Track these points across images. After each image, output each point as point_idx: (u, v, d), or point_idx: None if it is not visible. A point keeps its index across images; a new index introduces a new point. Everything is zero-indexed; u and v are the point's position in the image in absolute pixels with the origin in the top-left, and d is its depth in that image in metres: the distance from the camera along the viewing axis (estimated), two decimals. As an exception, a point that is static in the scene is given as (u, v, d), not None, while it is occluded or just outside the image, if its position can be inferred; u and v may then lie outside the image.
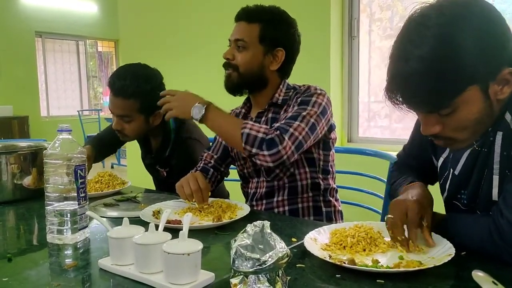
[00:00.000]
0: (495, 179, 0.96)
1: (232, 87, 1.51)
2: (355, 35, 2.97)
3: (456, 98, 0.86)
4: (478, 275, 0.79)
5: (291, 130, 1.33)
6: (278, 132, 1.32)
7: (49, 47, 8.48)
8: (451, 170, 1.08)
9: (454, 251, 0.90)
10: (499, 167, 0.95)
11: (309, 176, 1.51)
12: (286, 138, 1.31)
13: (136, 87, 1.68)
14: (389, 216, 1.01)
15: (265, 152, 1.30)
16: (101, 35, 9.01)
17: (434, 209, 1.08)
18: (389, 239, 1.02)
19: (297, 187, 1.51)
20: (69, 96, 8.88)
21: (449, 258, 0.87)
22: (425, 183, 1.15)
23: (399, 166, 1.33)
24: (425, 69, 0.84)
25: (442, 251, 0.93)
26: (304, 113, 1.38)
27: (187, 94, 1.42)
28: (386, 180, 1.68)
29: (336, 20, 2.93)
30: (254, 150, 1.32)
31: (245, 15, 1.48)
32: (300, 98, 1.45)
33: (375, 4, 2.95)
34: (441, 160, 1.13)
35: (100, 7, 8.82)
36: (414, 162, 1.27)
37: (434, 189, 1.18)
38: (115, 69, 1.76)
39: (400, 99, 0.90)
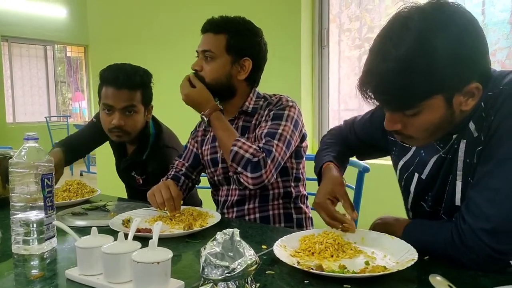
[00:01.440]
0: (458, 185, 1.00)
1: None
2: (325, 45, 3.03)
3: (421, 102, 0.90)
4: (435, 279, 0.83)
5: (274, 152, 1.37)
6: (263, 154, 1.36)
7: (15, 52, 8.25)
8: (417, 174, 1.12)
9: (417, 256, 0.93)
10: (462, 173, 0.99)
11: (282, 185, 1.54)
12: (269, 161, 1.35)
13: (140, 78, 1.75)
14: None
15: (248, 174, 1.34)
16: (70, 40, 8.84)
17: (396, 212, 1.17)
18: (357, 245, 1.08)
19: (269, 195, 1.53)
20: (36, 102, 8.65)
21: (412, 262, 0.90)
22: (357, 157, 1.44)
23: (337, 134, 1.44)
24: (399, 69, 0.87)
25: (405, 256, 0.96)
26: (280, 130, 1.42)
27: (195, 98, 1.47)
28: (355, 187, 1.72)
29: (306, 30, 2.99)
30: (239, 169, 1.36)
31: (211, 27, 1.50)
32: (273, 112, 1.47)
33: (344, 15, 3.03)
34: (401, 162, 1.18)
35: (69, 11, 8.66)
36: (356, 141, 1.38)
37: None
38: (106, 67, 1.78)
39: (371, 93, 0.94)
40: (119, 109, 1.72)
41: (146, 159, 1.80)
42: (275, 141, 1.39)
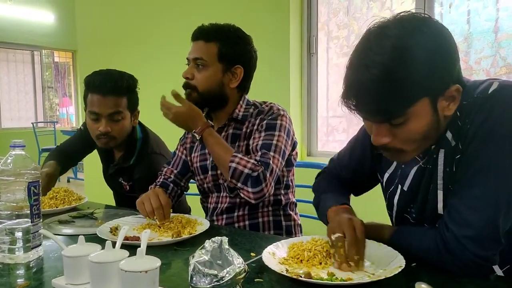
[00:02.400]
0: (440, 194, 1.02)
1: None
2: (313, 52, 3.05)
3: (409, 108, 0.89)
4: (421, 286, 0.83)
5: (271, 164, 1.39)
6: (262, 168, 1.37)
7: (2, 57, 8.15)
8: (400, 186, 1.12)
9: (405, 263, 0.94)
10: (442, 182, 1.01)
11: (272, 193, 1.53)
12: (268, 174, 1.37)
13: (126, 84, 1.74)
14: (339, 234, 1.00)
15: (249, 189, 1.36)
16: (58, 45, 8.77)
17: (379, 220, 1.14)
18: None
19: (259, 203, 1.53)
20: (22, 108, 8.55)
21: (400, 269, 0.91)
22: (353, 194, 1.28)
23: (329, 175, 1.34)
24: (384, 75, 0.86)
25: (393, 263, 0.97)
26: (275, 141, 1.43)
27: (184, 117, 1.44)
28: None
29: (295, 38, 3.01)
30: (239, 185, 1.37)
31: (202, 34, 1.49)
32: (265, 121, 1.48)
33: (333, 23, 3.05)
34: (386, 175, 1.17)
35: (57, 16, 8.59)
36: (350, 175, 1.29)
37: (380, 200, 1.24)
38: (92, 73, 1.76)
39: (356, 105, 0.91)
40: (105, 116, 1.70)
41: (133, 165, 1.80)
42: (271, 153, 1.41)
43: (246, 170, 1.36)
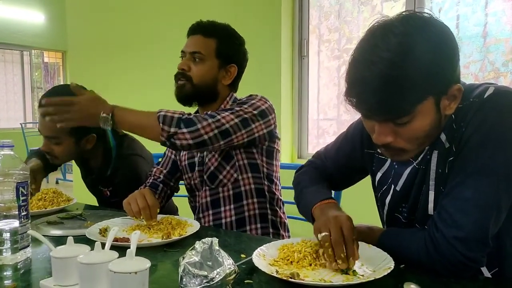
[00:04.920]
0: (431, 195, 1.02)
1: (184, 98, 1.52)
2: (305, 55, 3.07)
3: (416, 107, 0.89)
4: (410, 287, 0.84)
5: (218, 116, 1.36)
6: (200, 115, 1.34)
7: (-10, 57, 8.08)
8: (393, 186, 1.13)
9: (393, 264, 0.95)
10: (434, 183, 1.01)
11: (253, 181, 1.53)
12: (210, 120, 1.34)
13: None
14: (325, 233, 0.98)
15: (184, 130, 1.31)
16: (48, 46, 8.70)
17: (369, 220, 1.16)
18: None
19: (242, 193, 1.52)
20: (11, 108, 8.46)
21: (389, 271, 0.92)
22: (333, 188, 1.28)
23: (312, 169, 1.32)
24: (391, 72, 0.85)
25: (382, 264, 0.97)
26: (238, 109, 1.42)
27: (88, 102, 1.30)
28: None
29: (286, 40, 3.02)
30: (172, 130, 1.31)
31: (202, 29, 1.52)
32: (240, 102, 1.49)
33: (324, 26, 3.07)
34: (379, 174, 1.18)
35: (47, 17, 8.53)
36: (334, 168, 1.29)
37: (370, 199, 1.25)
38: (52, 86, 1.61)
39: (359, 102, 0.90)
40: (44, 136, 1.66)
41: (111, 173, 1.75)
42: (226, 113, 1.38)
43: (176, 115, 1.32)
